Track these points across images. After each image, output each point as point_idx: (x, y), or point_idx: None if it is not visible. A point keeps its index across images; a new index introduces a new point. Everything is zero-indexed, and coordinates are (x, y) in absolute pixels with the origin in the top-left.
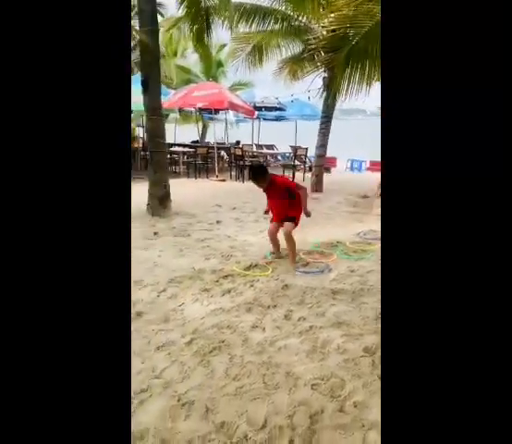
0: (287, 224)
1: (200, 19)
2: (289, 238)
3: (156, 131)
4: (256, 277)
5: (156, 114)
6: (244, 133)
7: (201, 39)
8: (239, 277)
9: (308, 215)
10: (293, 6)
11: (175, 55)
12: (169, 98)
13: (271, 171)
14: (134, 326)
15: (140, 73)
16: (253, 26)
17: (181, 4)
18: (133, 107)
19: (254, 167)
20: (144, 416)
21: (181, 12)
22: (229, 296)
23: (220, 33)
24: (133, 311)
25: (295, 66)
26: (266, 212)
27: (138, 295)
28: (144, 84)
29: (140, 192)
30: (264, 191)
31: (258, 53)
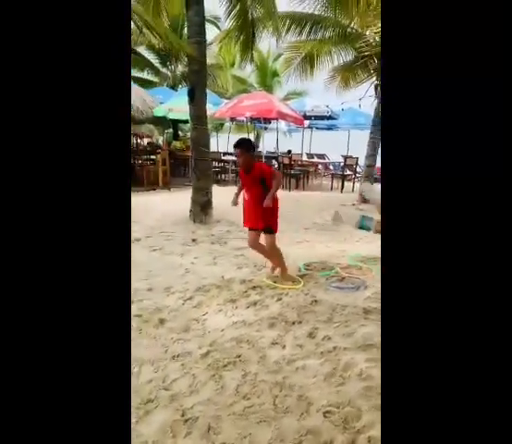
0: (267, 236)
1: (246, 31)
2: (273, 251)
3: (200, 140)
4: (285, 290)
5: (201, 123)
6: (297, 142)
7: (246, 50)
8: (268, 288)
9: (266, 204)
10: (339, 12)
11: (232, 65)
12: (220, 108)
13: (321, 180)
14: (155, 333)
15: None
16: (304, 35)
17: (228, 16)
18: (184, 117)
19: (241, 138)
20: (146, 428)
21: (228, 24)
22: (254, 309)
23: (275, 43)
24: (157, 318)
25: (347, 73)
26: (235, 203)
27: (165, 302)
28: (190, 94)
29: (187, 199)
30: (242, 174)
31: (309, 61)
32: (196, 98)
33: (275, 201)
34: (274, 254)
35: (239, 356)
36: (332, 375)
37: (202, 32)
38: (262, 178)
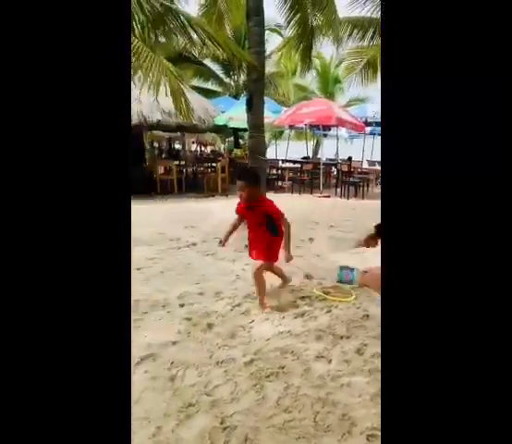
0: (259, 262)
1: (305, 38)
2: (258, 277)
3: (257, 148)
4: (336, 303)
5: (258, 131)
6: (358, 149)
7: (305, 57)
8: (318, 300)
9: (287, 259)
10: None
11: (293, 73)
12: (280, 116)
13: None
14: (202, 337)
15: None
16: (366, 40)
17: (288, 24)
18: (244, 125)
19: (246, 169)
20: (185, 432)
21: (289, 32)
22: (302, 319)
23: (335, 50)
24: (205, 322)
25: None
26: (223, 242)
27: (214, 307)
28: (248, 103)
29: None
30: (243, 208)
31: (372, 67)
32: (254, 107)
33: (281, 234)
34: (257, 281)
35: (283, 367)
36: (379, 395)
37: (262, 42)
38: (268, 216)
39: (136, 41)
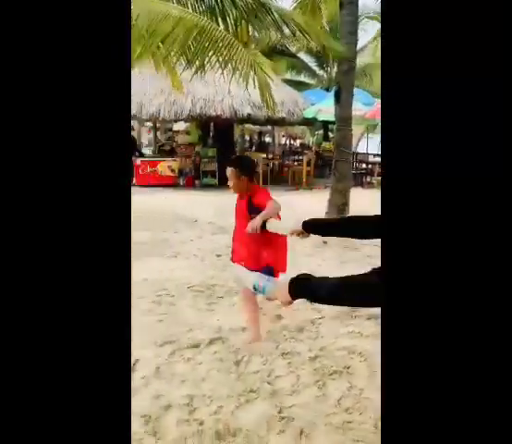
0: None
1: None
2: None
3: (343, 141)
4: None
5: (345, 124)
6: None
7: None
8: None
9: (248, 228)
10: None
11: None
12: (372, 108)
13: None
14: (270, 327)
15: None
16: None
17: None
18: (333, 118)
19: (237, 156)
20: (244, 415)
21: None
22: (375, 322)
23: None
24: (274, 313)
25: None
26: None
27: None
28: (337, 95)
29: (326, 200)
30: (237, 199)
31: None
32: (342, 99)
33: (283, 242)
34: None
35: (348, 367)
36: None
37: (354, 32)
38: (252, 205)
39: (227, 35)
